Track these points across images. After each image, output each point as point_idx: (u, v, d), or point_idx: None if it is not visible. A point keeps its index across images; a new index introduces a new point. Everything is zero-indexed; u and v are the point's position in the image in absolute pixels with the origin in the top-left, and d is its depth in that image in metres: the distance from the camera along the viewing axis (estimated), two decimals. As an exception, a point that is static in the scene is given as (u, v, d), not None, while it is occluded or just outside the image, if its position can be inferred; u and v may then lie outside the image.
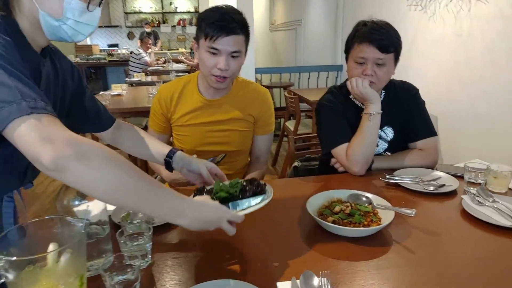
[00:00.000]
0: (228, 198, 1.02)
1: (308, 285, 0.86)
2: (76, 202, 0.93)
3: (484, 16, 2.40)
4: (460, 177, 1.42)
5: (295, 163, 1.97)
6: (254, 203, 1.00)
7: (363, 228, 1.06)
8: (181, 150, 1.28)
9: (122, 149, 1.31)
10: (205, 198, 0.95)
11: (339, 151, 1.54)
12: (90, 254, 0.90)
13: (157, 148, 1.29)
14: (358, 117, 1.55)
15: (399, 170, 1.51)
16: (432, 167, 1.55)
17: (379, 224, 1.09)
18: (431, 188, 1.33)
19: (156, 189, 0.81)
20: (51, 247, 0.76)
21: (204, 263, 0.97)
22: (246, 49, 1.46)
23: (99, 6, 0.97)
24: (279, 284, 0.88)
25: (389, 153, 1.63)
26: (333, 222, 1.09)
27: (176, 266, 0.96)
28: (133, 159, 2.73)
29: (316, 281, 0.87)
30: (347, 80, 1.60)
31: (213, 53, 1.40)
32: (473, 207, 1.20)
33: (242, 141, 1.66)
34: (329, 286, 0.86)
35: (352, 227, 1.08)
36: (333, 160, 1.62)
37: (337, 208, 1.15)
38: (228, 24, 1.36)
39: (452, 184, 1.37)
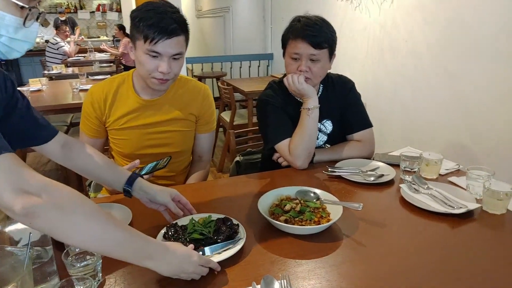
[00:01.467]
0: (202, 239, 1.02)
1: (269, 290, 0.86)
2: (13, 224, 0.84)
3: (406, 7, 2.56)
4: (395, 166, 1.51)
5: (237, 158, 1.96)
6: (228, 246, 1.01)
7: (315, 226, 1.09)
8: (140, 176, 1.20)
9: (74, 170, 1.20)
10: (175, 244, 0.92)
11: (282, 146, 1.56)
12: (33, 279, 0.82)
13: (114, 173, 1.19)
14: (298, 112, 1.57)
15: (339, 162, 1.57)
16: (369, 157, 1.64)
17: (329, 219, 1.12)
18: (372, 178, 1.41)
19: (123, 232, 0.81)
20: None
21: (159, 275, 0.92)
22: (186, 48, 1.40)
23: (37, 20, 0.87)
24: (239, 291, 0.88)
25: (329, 145, 1.69)
26: (285, 221, 1.11)
27: (130, 283, 0.91)
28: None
29: (277, 285, 0.87)
30: (285, 75, 1.61)
31: (154, 56, 1.33)
32: (411, 195, 1.29)
33: (184, 142, 1.60)
34: (289, 289, 0.87)
35: (304, 224, 1.10)
36: (276, 155, 1.64)
37: (287, 207, 1.16)
38: (168, 26, 1.28)
39: (389, 173, 1.45)
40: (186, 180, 1.66)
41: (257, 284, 0.88)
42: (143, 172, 1.34)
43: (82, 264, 0.88)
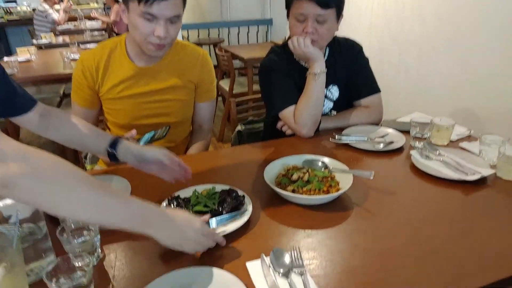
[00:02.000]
0: (206, 212, 0.97)
1: (280, 263, 0.82)
2: (1, 200, 0.78)
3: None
4: (405, 132, 1.45)
5: (238, 127, 1.90)
6: (234, 218, 0.96)
7: (324, 195, 1.04)
8: (126, 138, 1.14)
9: (53, 139, 1.13)
10: (176, 211, 0.87)
11: (287, 114, 1.49)
12: (27, 256, 0.78)
13: (98, 138, 1.12)
14: (303, 77, 1.49)
15: (346, 129, 1.50)
16: (377, 123, 1.57)
17: (338, 189, 1.07)
18: (381, 146, 1.35)
19: (116, 198, 0.75)
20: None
21: (161, 250, 0.88)
22: (184, 10, 1.30)
23: None
24: (248, 264, 0.83)
25: (335, 112, 1.62)
26: (293, 191, 1.06)
27: (132, 258, 0.87)
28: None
29: (287, 257, 0.83)
30: (289, 38, 1.52)
31: (149, 19, 1.23)
32: (422, 162, 1.23)
33: (184, 111, 1.53)
34: (301, 261, 0.83)
35: (312, 194, 1.05)
36: (279, 123, 1.58)
37: (294, 176, 1.11)
38: None
39: (399, 140, 1.39)
40: (186, 151, 1.60)
41: (266, 256, 0.84)
42: (141, 143, 1.28)
43: (79, 240, 0.83)
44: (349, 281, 0.79)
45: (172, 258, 0.86)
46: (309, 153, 1.25)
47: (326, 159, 1.19)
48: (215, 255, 0.87)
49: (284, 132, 1.56)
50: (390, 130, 1.48)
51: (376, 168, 1.26)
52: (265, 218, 1.00)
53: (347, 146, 1.40)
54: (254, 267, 0.82)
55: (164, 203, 1.01)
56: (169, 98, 1.46)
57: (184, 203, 1.00)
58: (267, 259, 0.83)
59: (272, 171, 1.15)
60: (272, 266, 0.81)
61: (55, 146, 3.59)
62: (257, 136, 1.85)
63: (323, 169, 1.16)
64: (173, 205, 0.99)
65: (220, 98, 4.23)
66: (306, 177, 1.10)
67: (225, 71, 3.74)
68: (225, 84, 3.64)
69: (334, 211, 1.03)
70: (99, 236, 0.86)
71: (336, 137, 1.41)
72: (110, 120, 1.51)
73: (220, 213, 0.97)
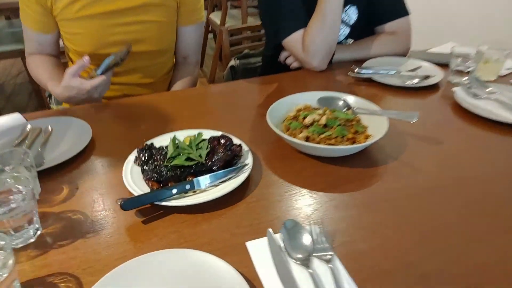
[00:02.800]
0: (190, 167, 0.71)
1: (296, 244, 0.57)
2: None
3: None
4: (439, 65, 1.17)
5: (232, 62, 1.59)
6: (229, 176, 0.70)
7: (350, 145, 0.77)
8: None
9: None
10: None
11: (293, 40, 1.18)
12: None
13: None
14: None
15: (367, 61, 1.21)
16: (404, 54, 1.28)
17: (367, 135, 0.81)
18: (415, 80, 1.06)
19: None
20: None
21: (130, 223, 0.63)
22: None
23: None
24: (248, 244, 0.58)
25: (351, 40, 1.31)
26: (307, 139, 0.79)
27: (85, 237, 0.61)
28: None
29: (306, 236, 0.58)
30: None
31: None
32: (471, 101, 0.96)
33: (163, 36, 1.22)
34: (326, 242, 0.58)
35: (333, 143, 0.78)
36: (283, 54, 1.28)
37: (308, 119, 0.83)
38: None
39: (436, 74, 1.11)
40: (169, 89, 1.31)
41: (274, 233, 0.59)
42: (99, 72, 1.01)
43: (8, 208, 0.56)
44: (399, 273, 0.54)
45: (141, 238, 0.61)
46: (321, 90, 0.97)
47: (350, 97, 0.91)
48: (200, 231, 0.61)
49: (288, 66, 1.27)
50: (423, 63, 1.18)
51: (409, 108, 0.99)
52: (270, 176, 0.74)
53: (369, 81, 1.12)
54: (258, 249, 0.57)
55: (131, 156, 0.75)
56: (144, 19, 1.14)
57: (160, 155, 0.73)
58: (277, 237, 0.58)
59: (277, 112, 0.87)
60: (285, 248, 0.56)
61: (31, 87, 3.30)
62: (253, 73, 1.56)
63: (345, 110, 0.89)
64: (145, 156, 0.72)
65: (211, 35, 3.84)
66: (323, 121, 0.83)
67: (216, 3, 3.33)
68: (216, 17, 3.24)
69: (362, 166, 0.77)
70: (33, 203, 0.60)
71: (356, 70, 1.12)
72: (71, 49, 1.20)
73: (209, 169, 0.71)
